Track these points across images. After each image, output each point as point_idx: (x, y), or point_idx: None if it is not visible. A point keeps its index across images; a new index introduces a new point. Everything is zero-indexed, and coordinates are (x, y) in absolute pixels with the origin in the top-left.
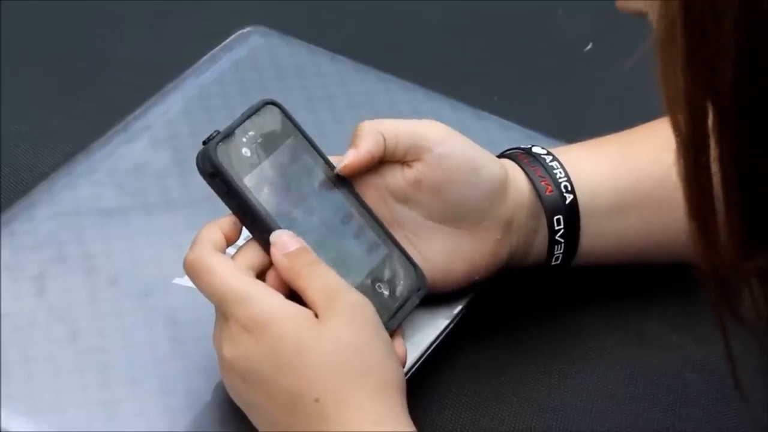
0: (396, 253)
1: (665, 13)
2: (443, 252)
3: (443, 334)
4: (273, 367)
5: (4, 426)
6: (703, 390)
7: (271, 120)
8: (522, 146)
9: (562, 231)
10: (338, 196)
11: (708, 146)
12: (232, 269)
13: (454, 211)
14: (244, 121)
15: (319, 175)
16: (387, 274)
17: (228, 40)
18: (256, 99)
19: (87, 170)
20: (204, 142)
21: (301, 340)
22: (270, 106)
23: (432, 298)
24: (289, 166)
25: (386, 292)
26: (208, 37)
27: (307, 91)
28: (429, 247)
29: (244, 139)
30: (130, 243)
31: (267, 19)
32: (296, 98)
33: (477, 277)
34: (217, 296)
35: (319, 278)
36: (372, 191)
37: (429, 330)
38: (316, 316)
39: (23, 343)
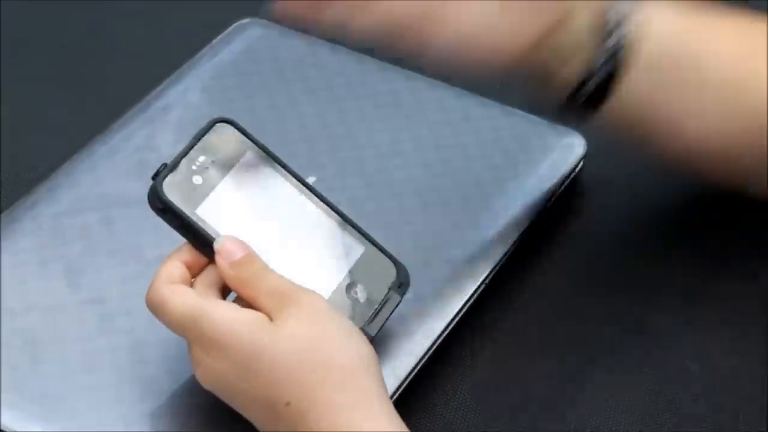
0: (372, 251)
1: None
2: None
3: (449, 326)
4: (239, 379)
5: (17, 427)
6: (707, 383)
7: (223, 139)
8: None
9: (612, 46)
10: (305, 204)
11: None
12: (182, 294)
13: None
14: (192, 147)
15: (282, 185)
16: (363, 276)
17: (226, 33)
18: (256, 91)
19: (89, 167)
20: (153, 177)
21: (257, 345)
22: (221, 125)
23: (437, 290)
24: (247, 182)
25: (363, 295)
26: (205, 28)
27: (307, 82)
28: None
29: (194, 167)
30: (136, 240)
31: (264, 10)
32: (297, 90)
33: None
34: (174, 326)
35: (266, 284)
36: None
37: (437, 320)
38: (271, 320)
39: (33, 344)
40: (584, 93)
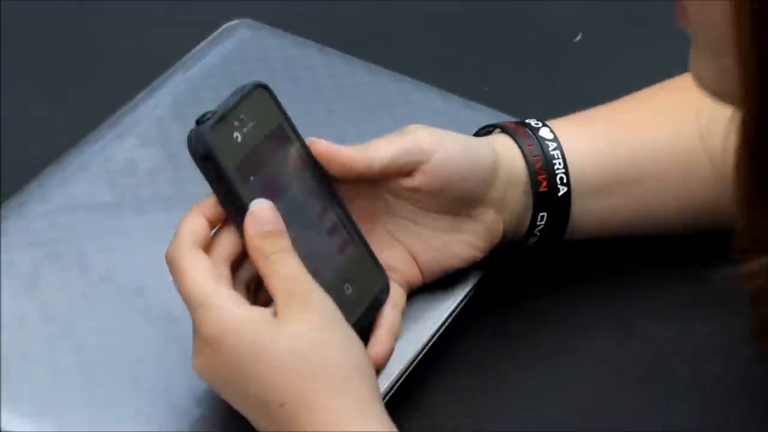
0: (365, 254)
1: None
2: (443, 237)
3: (441, 329)
4: (237, 377)
5: (6, 427)
6: (693, 384)
7: (261, 104)
8: (530, 122)
9: (542, 226)
10: (316, 190)
11: None
12: (199, 274)
13: (452, 203)
14: (237, 103)
15: (300, 165)
16: (355, 274)
17: (215, 34)
18: None
19: (78, 167)
20: (197, 122)
21: (258, 345)
22: (260, 89)
23: (429, 292)
24: (274, 154)
25: (354, 293)
26: (195, 28)
27: (296, 83)
28: (429, 234)
29: (236, 123)
30: (124, 240)
31: (253, 12)
32: (286, 91)
33: (478, 257)
34: (185, 299)
35: (285, 269)
36: (368, 192)
37: (428, 325)
38: (275, 311)
39: (21, 343)
40: (527, 245)
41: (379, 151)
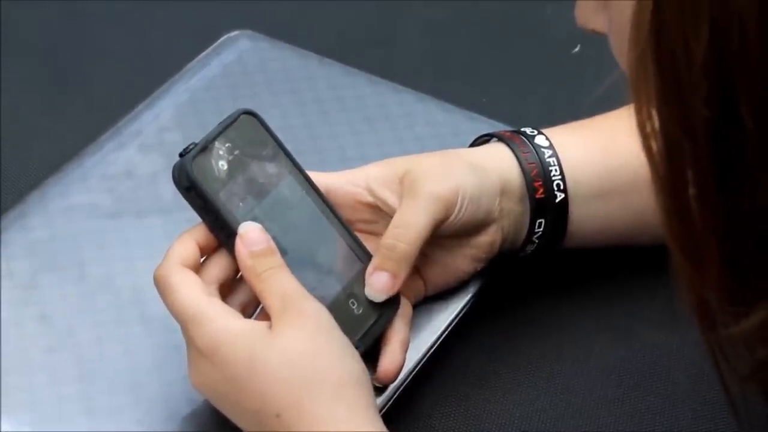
0: None
1: (636, 44)
2: (448, 254)
3: (441, 337)
4: (232, 388)
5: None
6: (692, 391)
7: (247, 130)
8: (525, 130)
9: (540, 233)
10: (314, 209)
11: (686, 182)
12: (190, 289)
13: (459, 229)
14: (221, 132)
15: (295, 187)
16: (361, 290)
17: (216, 44)
18: (246, 104)
19: (79, 177)
20: (180, 155)
21: (253, 357)
22: (246, 116)
23: (428, 302)
24: (265, 178)
25: (360, 308)
26: (196, 39)
27: (296, 94)
28: (434, 251)
29: (221, 152)
30: (124, 249)
31: (253, 22)
32: (286, 102)
33: (479, 268)
34: (176, 316)
35: (278, 284)
36: (370, 212)
37: (427, 334)
38: (271, 324)
39: (21, 352)
40: (524, 253)
41: (410, 232)
